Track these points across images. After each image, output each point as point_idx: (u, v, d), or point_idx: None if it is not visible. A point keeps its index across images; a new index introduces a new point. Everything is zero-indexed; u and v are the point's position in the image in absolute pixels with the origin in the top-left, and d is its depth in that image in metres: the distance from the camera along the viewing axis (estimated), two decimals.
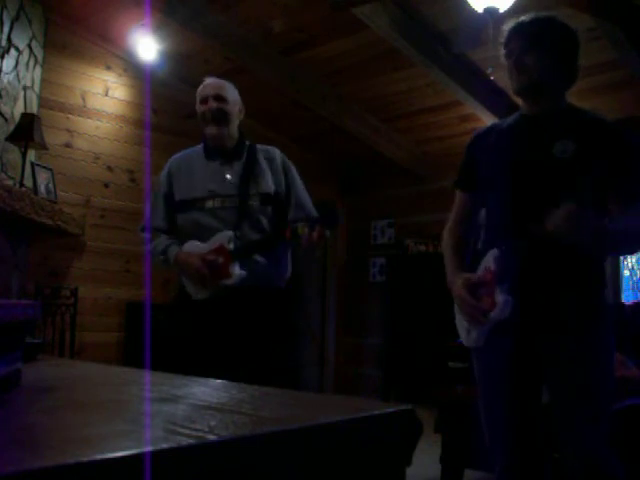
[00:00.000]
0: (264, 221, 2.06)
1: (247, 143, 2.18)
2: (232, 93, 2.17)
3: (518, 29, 1.56)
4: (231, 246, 1.98)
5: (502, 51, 1.61)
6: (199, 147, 2.21)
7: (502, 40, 1.60)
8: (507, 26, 1.60)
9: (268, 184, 2.09)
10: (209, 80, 2.19)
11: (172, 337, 2.15)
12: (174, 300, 2.23)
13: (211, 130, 2.11)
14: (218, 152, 2.14)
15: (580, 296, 1.49)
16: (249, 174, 2.08)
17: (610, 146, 1.49)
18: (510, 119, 1.67)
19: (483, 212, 1.70)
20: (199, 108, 2.15)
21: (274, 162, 2.14)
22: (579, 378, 1.44)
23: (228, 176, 2.08)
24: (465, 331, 1.60)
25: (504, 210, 1.58)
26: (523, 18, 1.57)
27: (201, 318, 2.04)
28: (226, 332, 1.98)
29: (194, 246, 2.04)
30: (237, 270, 1.96)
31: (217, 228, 2.02)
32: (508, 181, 1.55)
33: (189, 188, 2.10)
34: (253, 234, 2.03)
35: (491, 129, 1.72)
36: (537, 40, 1.52)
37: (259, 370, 1.91)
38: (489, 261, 1.52)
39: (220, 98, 2.11)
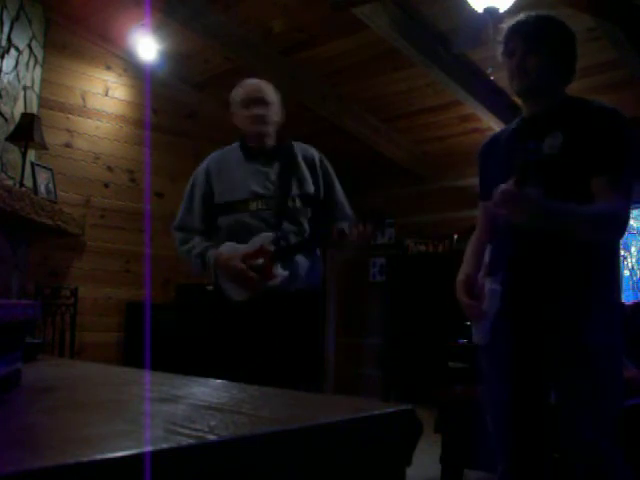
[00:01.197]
0: (304, 222, 2.07)
1: (285, 142, 2.17)
2: (273, 94, 2.16)
3: (518, 28, 1.55)
4: (272, 247, 1.97)
5: (500, 48, 1.60)
6: (235, 147, 2.19)
7: (499, 38, 1.59)
8: (506, 24, 1.59)
9: (309, 185, 2.10)
10: (251, 82, 2.17)
11: (170, 333, 2.18)
12: (209, 302, 2.23)
13: (252, 128, 2.10)
14: (257, 152, 2.13)
15: (577, 293, 1.48)
16: (289, 175, 2.08)
17: (594, 127, 1.46)
18: (514, 123, 1.68)
19: None
20: (241, 112, 2.12)
21: (313, 163, 2.14)
22: (582, 379, 1.44)
23: (272, 177, 2.08)
24: (474, 329, 1.61)
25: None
26: (523, 17, 1.57)
27: (244, 320, 2.02)
28: (270, 334, 1.98)
29: (233, 248, 2.01)
30: (280, 271, 1.96)
31: (261, 229, 2.01)
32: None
33: (231, 190, 2.08)
34: (294, 235, 2.03)
35: (498, 136, 1.73)
36: (538, 41, 1.52)
37: (299, 370, 1.95)
38: (485, 256, 1.55)
39: (263, 101, 2.11)
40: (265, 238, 1.98)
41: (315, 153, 2.19)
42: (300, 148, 2.17)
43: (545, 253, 1.48)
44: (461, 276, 1.60)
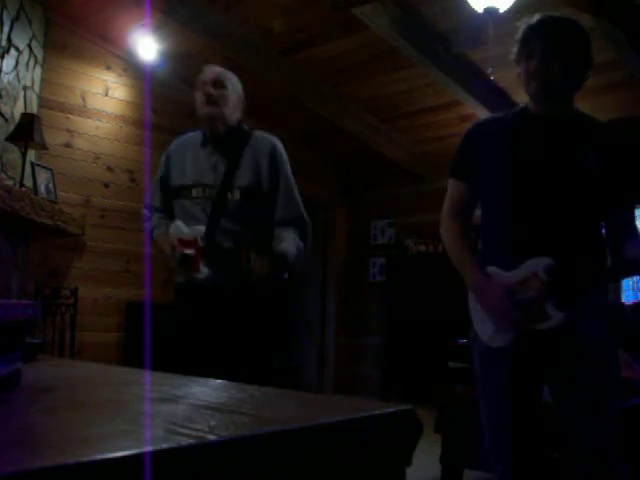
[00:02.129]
0: (245, 216, 2.03)
1: (246, 129, 2.14)
2: (233, 82, 2.13)
3: (541, 30, 1.47)
4: (202, 242, 1.97)
5: (515, 48, 1.52)
6: (199, 133, 2.19)
7: (518, 37, 1.51)
8: (524, 23, 1.51)
9: (250, 178, 2.04)
10: (213, 67, 2.16)
11: (170, 333, 2.23)
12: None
13: (203, 109, 2.07)
14: (210, 139, 2.12)
15: (593, 301, 1.49)
16: (234, 166, 2.05)
17: (632, 163, 1.50)
18: (515, 115, 1.60)
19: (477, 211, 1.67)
20: (197, 94, 2.10)
21: (264, 156, 2.08)
22: (583, 378, 1.44)
23: (219, 166, 2.07)
24: (490, 330, 1.54)
25: (514, 214, 1.52)
26: (544, 17, 1.49)
27: (187, 309, 2.15)
28: (210, 331, 2.04)
29: (177, 230, 2.04)
30: (205, 269, 1.99)
31: (199, 217, 2.03)
32: (518, 184, 1.50)
33: (181, 175, 2.12)
34: (228, 232, 2.00)
35: (493, 122, 1.65)
36: (562, 46, 1.46)
37: (249, 369, 1.91)
38: (538, 268, 1.43)
39: (219, 83, 2.08)
40: (199, 231, 1.99)
41: (271, 146, 2.11)
42: (259, 138, 2.13)
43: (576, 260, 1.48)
44: (495, 285, 1.49)
